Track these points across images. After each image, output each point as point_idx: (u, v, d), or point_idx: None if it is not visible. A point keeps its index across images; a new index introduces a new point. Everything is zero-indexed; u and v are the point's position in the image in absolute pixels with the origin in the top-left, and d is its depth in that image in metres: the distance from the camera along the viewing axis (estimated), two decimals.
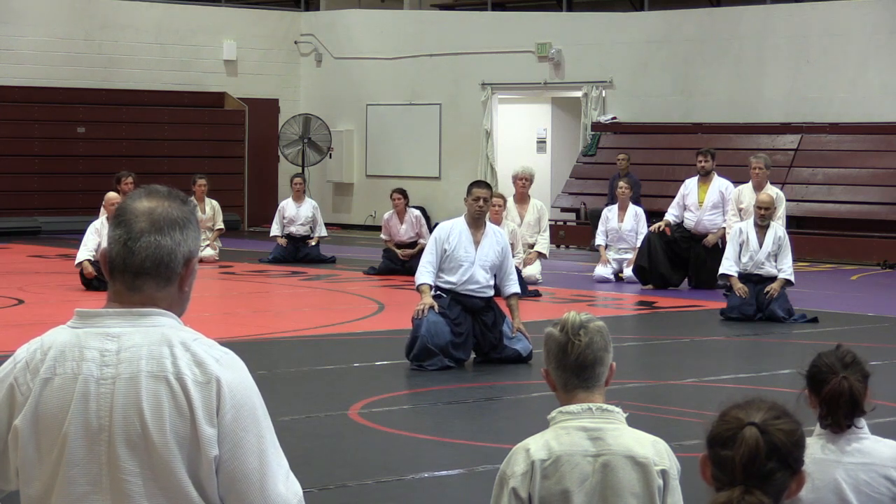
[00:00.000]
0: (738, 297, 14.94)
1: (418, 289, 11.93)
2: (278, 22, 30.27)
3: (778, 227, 15.26)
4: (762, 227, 14.99)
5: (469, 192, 12.00)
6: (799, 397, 4.35)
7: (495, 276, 12.00)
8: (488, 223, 12.12)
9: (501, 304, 12.13)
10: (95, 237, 17.09)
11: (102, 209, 17.83)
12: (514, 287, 12.01)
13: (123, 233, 3.18)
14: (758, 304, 14.88)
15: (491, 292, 12.00)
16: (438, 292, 11.92)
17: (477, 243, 11.88)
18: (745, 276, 15.02)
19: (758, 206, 15.09)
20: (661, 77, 25.69)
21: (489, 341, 11.95)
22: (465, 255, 11.84)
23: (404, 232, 19.66)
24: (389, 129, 29.02)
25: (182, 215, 3.21)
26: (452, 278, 11.90)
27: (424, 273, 11.90)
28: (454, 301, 11.86)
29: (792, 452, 3.10)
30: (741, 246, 15.10)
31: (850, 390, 4.40)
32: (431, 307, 11.69)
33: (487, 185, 12.22)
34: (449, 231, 11.93)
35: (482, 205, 11.87)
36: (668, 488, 3.96)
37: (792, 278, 14.98)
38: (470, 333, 11.90)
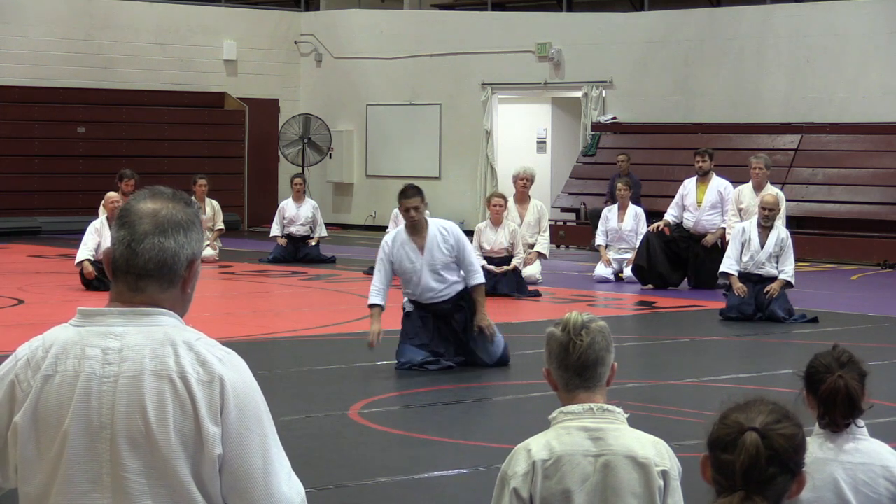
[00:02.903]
0: (737, 296, 14.94)
1: (370, 308, 11.59)
2: (278, 22, 30.26)
3: (781, 229, 15.22)
4: (765, 228, 14.95)
5: (398, 202, 11.64)
6: (797, 398, 4.35)
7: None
8: (431, 222, 11.66)
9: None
10: (95, 237, 17.10)
11: (102, 208, 17.84)
12: (476, 278, 11.62)
13: (127, 234, 3.18)
14: (757, 304, 14.88)
15: (452, 292, 11.64)
16: (410, 305, 11.76)
17: (421, 248, 11.54)
18: (744, 276, 15.01)
19: (762, 207, 15.03)
20: (661, 77, 25.69)
21: (466, 343, 11.78)
22: (411, 266, 11.52)
23: None
24: (389, 129, 29.02)
25: (186, 217, 3.21)
26: (409, 290, 11.67)
27: (373, 293, 11.52)
28: (423, 310, 11.68)
29: (793, 457, 3.10)
30: (743, 245, 15.09)
31: (846, 389, 4.40)
32: (378, 334, 11.38)
33: (414, 192, 11.53)
34: (391, 245, 11.58)
35: (413, 215, 11.46)
36: (668, 489, 3.96)
37: (792, 280, 14.96)
38: (449, 340, 11.71)
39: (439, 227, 11.65)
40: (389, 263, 11.55)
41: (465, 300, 11.71)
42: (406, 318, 11.77)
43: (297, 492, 3.18)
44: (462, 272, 11.68)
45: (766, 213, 14.92)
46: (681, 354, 13.11)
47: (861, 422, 4.49)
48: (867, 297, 17.64)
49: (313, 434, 9.21)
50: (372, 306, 11.52)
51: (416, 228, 11.57)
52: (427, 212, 11.94)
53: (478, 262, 11.87)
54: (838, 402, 4.41)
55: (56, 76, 27.39)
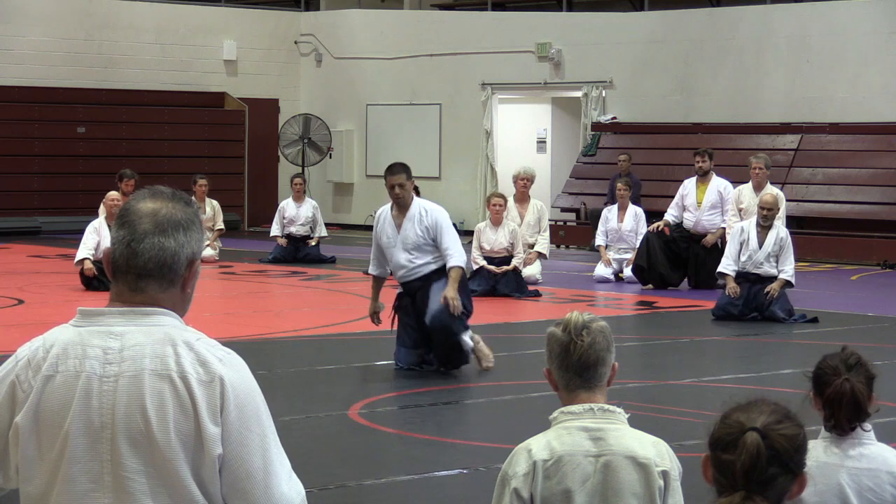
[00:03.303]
0: (726, 295, 14.95)
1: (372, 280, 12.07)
2: (278, 22, 30.26)
3: (781, 229, 15.21)
4: (765, 228, 14.94)
5: (385, 179, 11.78)
6: (804, 399, 4.34)
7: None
8: (419, 203, 11.73)
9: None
10: (94, 236, 17.10)
11: (101, 207, 17.84)
12: (451, 261, 11.46)
13: (127, 234, 3.18)
14: (756, 304, 14.87)
15: (423, 271, 11.61)
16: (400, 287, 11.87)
17: (399, 226, 11.67)
18: (743, 275, 15.01)
19: (761, 207, 15.03)
20: (661, 77, 25.69)
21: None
22: (386, 241, 11.71)
23: None
24: (389, 129, 29.02)
25: (186, 217, 3.21)
26: (390, 267, 11.87)
27: (371, 264, 12.00)
28: (406, 297, 11.75)
29: (793, 458, 3.10)
30: (741, 245, 15.09)
31: (851, 392, 4.39)
32: (376, 313, 11.83)
33: (400, 169, 11.72)
34: (377, 219, 11.92)
35: (398, 192, 11.59)
36: (668, 489, 3.95)
37: (792, 280, 14.95)
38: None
39: (420, 208, 11.73)
40: (377, 237, 11.83)
41: (437, 274, 11.62)
42: (398, 322, 11.77)
43: (297, 492, 3.18)
44: (444, 257, 11.59)
45: (765, 212, 14.91)
46: (681, 354, 13.11)
47: (868, 425, 4.46)
48: (867, 297, 17.64)
49: (313, 434, 9.21)
50: (374, 278, 11.96)
51: (400, 206, 11.73)
52: (431, 206, 11.92)
53: (458, 248, 11.62)
54: (843, 405, 4.40)
55: (56, 76, 27.39)
